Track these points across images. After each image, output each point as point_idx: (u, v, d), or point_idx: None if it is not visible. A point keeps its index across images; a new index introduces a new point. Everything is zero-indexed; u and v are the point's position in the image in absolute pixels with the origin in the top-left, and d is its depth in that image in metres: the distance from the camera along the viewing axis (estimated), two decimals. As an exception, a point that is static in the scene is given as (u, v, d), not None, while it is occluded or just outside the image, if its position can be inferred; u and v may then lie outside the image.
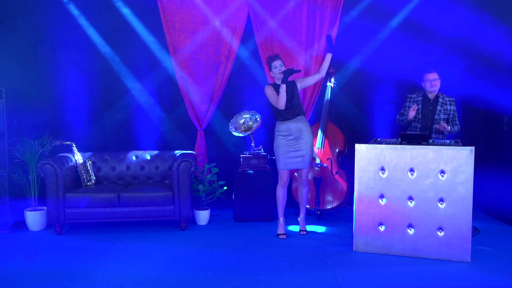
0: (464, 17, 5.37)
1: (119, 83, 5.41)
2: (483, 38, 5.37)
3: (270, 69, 4.45)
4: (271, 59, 4.43)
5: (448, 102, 4.57)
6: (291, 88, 4.39)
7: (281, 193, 4.52)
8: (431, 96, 4.58)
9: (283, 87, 4.27)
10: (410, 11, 5.39)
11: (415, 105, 4.53)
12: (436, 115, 4.53)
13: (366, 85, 5.57)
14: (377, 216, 3.95)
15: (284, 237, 4.46)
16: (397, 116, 4.78)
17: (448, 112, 4.55)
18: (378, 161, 3.92)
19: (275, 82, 4.48)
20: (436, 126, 4.51)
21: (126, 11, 5.29)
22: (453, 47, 5.42)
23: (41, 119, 5.26)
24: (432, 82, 4.52)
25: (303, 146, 4.42)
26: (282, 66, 4.37)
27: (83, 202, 4.57)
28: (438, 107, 4.54)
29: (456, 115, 4.60)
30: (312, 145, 4.55)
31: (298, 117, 4.40)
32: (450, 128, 4.51)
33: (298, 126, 4.40)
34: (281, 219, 4.54)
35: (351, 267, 3.71)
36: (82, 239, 4.49)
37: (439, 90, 4.59)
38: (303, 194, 4.59)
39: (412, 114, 4.51)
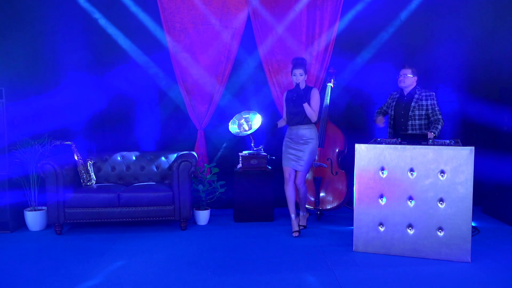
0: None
1: (119, 83, 5.41)
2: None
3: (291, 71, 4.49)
4: (293, 65, 4.45)
5: (424, 97, 4.49)
6: (304, 94, 4.42)
7: (286, 190, 4.54)
8: (405, 92, 4.59)
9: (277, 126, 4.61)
10: (411, 7, 5.40)
11: (382, 118, 4.74)
12: (410, 111, 4.50)
13: (366, 85, 5.57)
14: (377, 216, 3.95)
15: (297, 234, 4.47)
16: (377, 110, 4.91)
17: (424, 107, 4.48)
18: (378, 161, 3.92)
19: (293, 88, 4.52)
20: (412, 129, 4.48)
21: (127, 14, 5.31)
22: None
23: (41, 119, 5.26)
24: (400, 78, 4.53)
25: (301, 150, 4.45)
26: (301, 75, 4.41)
27: (83, 202, 4.56)
28: (413, 103, 4.51)
29: (436, 108, 4.47)
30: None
31: (301, 125, 4.46)
32: (435, 132, 4.35)
33: (298, 133, 4.47)
34: (292, 215, 4.56)
35: (351, 267, 3.71)
36: (82, 239, 4.49)
37: (416, 86, 4.56)
38: (299, 196, 4.60)
39: (378, 125, 4.74)
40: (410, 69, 4.53)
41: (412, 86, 4.55)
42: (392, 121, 4.68)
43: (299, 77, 4.41)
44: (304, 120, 4.46)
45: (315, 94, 4.48)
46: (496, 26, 5.39)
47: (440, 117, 4.49)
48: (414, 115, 4.51)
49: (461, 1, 5.40)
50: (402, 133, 4.28)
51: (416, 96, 4.53)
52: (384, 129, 5.56)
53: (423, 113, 4.50)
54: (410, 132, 4.45)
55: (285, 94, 4.64)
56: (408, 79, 4.51)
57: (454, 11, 5.40)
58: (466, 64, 5.45)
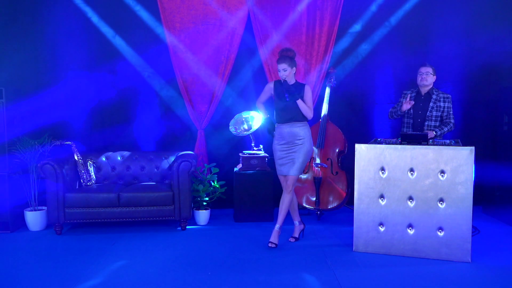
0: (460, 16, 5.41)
1: (119, 83, 5.41)
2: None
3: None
4: (278, 60, 4.10)
5: (442, 99, 4.50)
6: (295, 90, 4.10)
7: (282, 197, 4.19)
8: (423, 91, 4.55)
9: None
10: (410, 7, 5.40)
11: (411, 100, 4.49)
12: (428, 112, 4.49)
13: (366, 85, 5.57)
14: (377, 216, 3.95)
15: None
16: (390, 109, 4.78)
17: (441, 109, 4.49)
18: (378, 161, 3.92)
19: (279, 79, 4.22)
20: (428, 130, 4.46)
21: (126, 12, 5.31)
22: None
23: (41, 119, 5.25)
24: (423, 76, 4.48)
25: (295, 151, 4.13)
26: (285, 70, 4.03)
27: (83, 202, 4.56)
28: (431, 104, 4.49)
29: (451, 112, 4.51)
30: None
31: (295, 122, 4.14)
32: (438, 132, 4.40)
33: (292, 131, 4.15)
34: (295, 222, 4.36)
35: (351, 267, 3.71)
36: (82, 239, 4.49)
37: (433, 87, 4.55)
38: (284, 202, 4.16)
39: (406, 106, 4.49)
40: (431, 68, 4.49)
41: (431, 86, 4.52)
42: (411, 120, 4.59)
43: (283, 73, 4.03)
44: (298, 117, 4.12)
45: (308, 91, 4.13)
46: (496, 26, 5.39)
47: (452, 121, 4.49)
48: (432, 115, 4.48)
49: (461, 1, 5.40)
50: (402, 133, 4.28)
51: (434, 96, 4.50)
52: (384, 129, 5.57)
53: (439, 114, 4.49)
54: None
55: (272, 84, 4.24)
56: (430, 77, 4.48)
57: (454, 9, 5.40)
58: (466, 64, 5.45)
